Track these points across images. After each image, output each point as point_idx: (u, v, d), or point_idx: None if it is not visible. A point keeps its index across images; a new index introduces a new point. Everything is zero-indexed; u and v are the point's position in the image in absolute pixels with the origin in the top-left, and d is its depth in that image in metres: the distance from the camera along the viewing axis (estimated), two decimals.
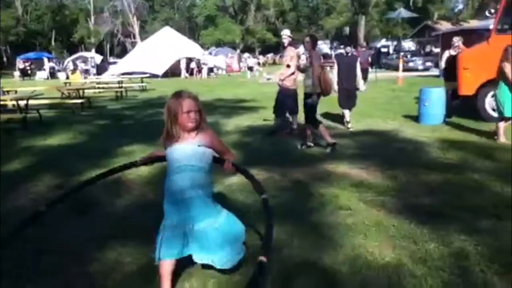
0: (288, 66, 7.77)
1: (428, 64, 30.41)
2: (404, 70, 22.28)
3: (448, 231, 3.57)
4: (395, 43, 39.85)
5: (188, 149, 2.68)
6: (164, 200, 2.78)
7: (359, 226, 3.77)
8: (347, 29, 50.23)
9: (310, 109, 6.93)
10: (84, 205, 4.50)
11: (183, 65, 33.87)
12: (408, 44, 39.71)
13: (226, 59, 37.87)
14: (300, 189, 4.91)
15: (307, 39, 6.99)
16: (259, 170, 5.64)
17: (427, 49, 36.69)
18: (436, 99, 8.85)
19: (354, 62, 8.71)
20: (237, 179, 5.26)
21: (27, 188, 5.26)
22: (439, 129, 8.24)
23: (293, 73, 7.79)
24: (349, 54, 8.97)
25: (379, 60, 33.40)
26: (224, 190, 4.82)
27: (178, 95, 2.70)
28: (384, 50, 38.63)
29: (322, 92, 6.80)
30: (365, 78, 17.96)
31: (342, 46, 50.20)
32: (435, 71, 23.93)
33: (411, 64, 30.33)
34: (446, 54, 10.05)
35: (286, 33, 7.94)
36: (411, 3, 47.30)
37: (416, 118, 9.23)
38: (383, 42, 44.16)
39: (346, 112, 8.82)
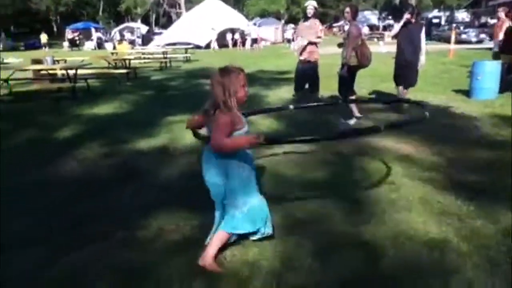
0: (319, 37, 7.72)
1: (482, 36, 28.91)
2: (457, 42, 21.30)
3: (495, 209, 3.44)
4: (447, 13, 38.05)
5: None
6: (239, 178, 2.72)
7: (403, 201, 3.68)
8: None
9: (340, 80, 6.90)
10: (129, 174, 4.62)
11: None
12: (462, 15, 37.84)
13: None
14: (343, 163, 4.84)
15: (347, 9, 6.83)
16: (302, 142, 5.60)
17: (482, 20, 34.87)
18: (490, 72, 8.40)
19: (418, 31, 7.39)
20: (278, 151, 5.26)
21: (75, 155, 5.44)
22: (491, 104, 7.85)
23: (316, 45, 7.71)
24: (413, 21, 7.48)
25: (429, 32, 32.09)
26: (266, 162, 4.82)
27: (231, 70, 2.63)
28: (435, 21, 36.99)
29: (359, 64, 6.66)
30: None
31: (390, 17, 48.52)
32: (490, 44, 22.73)
33: (464, 36, 28.94)
34: (506, 24, 9.49)
35: (312, 4, 7.78)
36: None
37: (467, 93, 8.84)
38: (435, 12, 42.25)
39: (401, 90, 7.69)
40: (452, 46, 18.97)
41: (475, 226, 3.19)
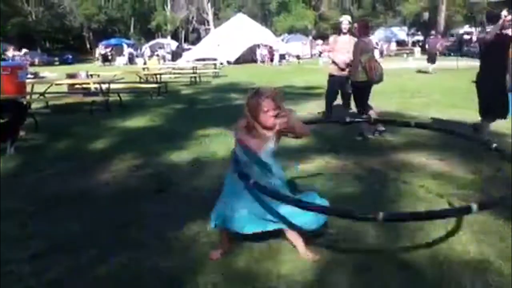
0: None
1: None
2: None
3: None
4: (479, 29, 37.41)
5: (267, 148, 2.80)
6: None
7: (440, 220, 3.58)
8: (426, 15, 47.77)
9: (353, 96, 6.97)
10: (162, 185, 4.66)
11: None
12: None
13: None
14: (376, 178, 4.76)
15: (355, 25, 6.87)
16: (331, 157, 5.57)
17: None
18: None
19: (503, 46, 5.76)
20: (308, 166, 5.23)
21: (109, 166, 5.54)
22: None
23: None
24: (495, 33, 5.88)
25: (461, 48, 31.62)
26: (299, 177, 4.79)
27: (255, 94, 2.74)
28: (467, 37, 36.41)
29: (369, 80, 6.57)
30: (432, 61, 19.04)
31: (419, 33, 47.97)
32: None
33: None
34: None
35: (348, 19, 7.70)
36: None
37: None
38: (466, 28, 41.63)
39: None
40: None
41: None
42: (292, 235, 2.93)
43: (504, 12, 5.79)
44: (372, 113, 6.82)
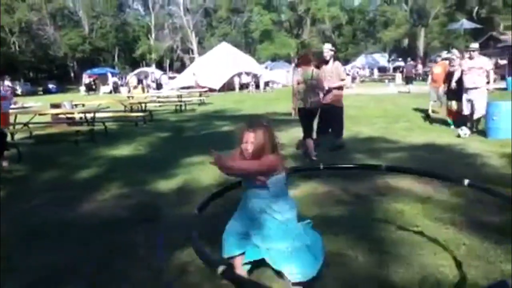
0: (344, 79, 7.82)
1: (494, 76, 29.03)
2: None
3: None
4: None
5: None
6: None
7: (427, 243, 3.62)
8: (405, 41, 49.01)
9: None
10: (148, 214, 4.62)
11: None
12: None
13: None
14: (362, 204, 4.79)
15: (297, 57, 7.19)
16: (318, 183, 5.59)
17: (493, 61, 35.12)
18: (505, 112, 8.41)
19: None
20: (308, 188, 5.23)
21: (95, 196, 5.49)
22: (508, 144, 7.79)
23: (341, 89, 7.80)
24: None
25: None
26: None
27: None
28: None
29: (306, 108, 6.87)
30: (409, 82, 22.88)
31: (400, 59, 49.12)
32: (502, 84, 22.77)
33: None
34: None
35: (328, 47, 7.85)
36: (474, 14, 45.53)
37: (483, 133, 8.82)
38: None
39: None
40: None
41: (505, 269, 3.10)
42: None
43: None
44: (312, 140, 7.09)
